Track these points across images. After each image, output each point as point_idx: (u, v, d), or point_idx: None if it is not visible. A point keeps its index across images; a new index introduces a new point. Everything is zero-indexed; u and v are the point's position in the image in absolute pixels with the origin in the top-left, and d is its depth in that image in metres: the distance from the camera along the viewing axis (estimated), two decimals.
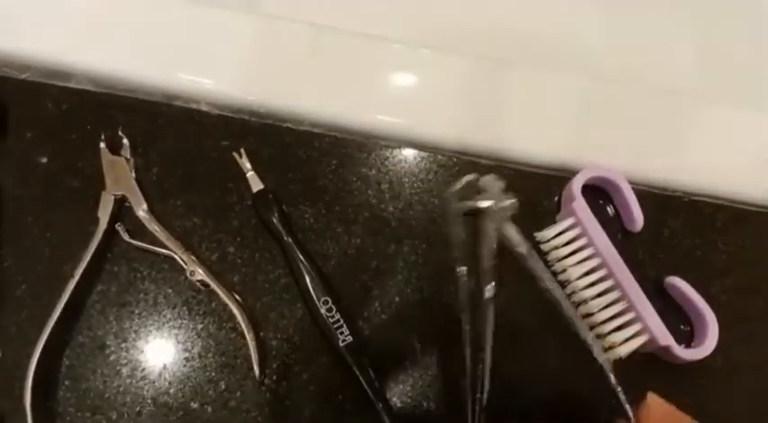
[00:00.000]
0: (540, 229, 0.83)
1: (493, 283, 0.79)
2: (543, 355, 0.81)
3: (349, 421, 0.78)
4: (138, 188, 0.80)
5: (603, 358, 0.78)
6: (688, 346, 0.81)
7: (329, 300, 0.78)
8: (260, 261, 0.81)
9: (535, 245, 0.83)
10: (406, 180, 0.85)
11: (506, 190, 0.81)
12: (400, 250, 0.83)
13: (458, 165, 0.86)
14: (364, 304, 0.81)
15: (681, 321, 0.83)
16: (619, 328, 0.78)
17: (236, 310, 0.76)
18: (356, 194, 0.84)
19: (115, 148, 0.81)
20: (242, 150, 0.83)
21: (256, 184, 0.81)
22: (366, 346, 0.78)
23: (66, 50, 0.83)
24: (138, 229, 0.79)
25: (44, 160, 0.81)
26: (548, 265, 0.82)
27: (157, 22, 0.85)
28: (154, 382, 0.77)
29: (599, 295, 0.79)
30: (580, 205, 0.81)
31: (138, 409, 0.76)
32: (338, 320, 0.77)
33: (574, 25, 1.15)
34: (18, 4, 0.84)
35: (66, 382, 0.76)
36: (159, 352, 0.77)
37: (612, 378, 0.77)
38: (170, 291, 0.79)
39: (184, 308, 0.79)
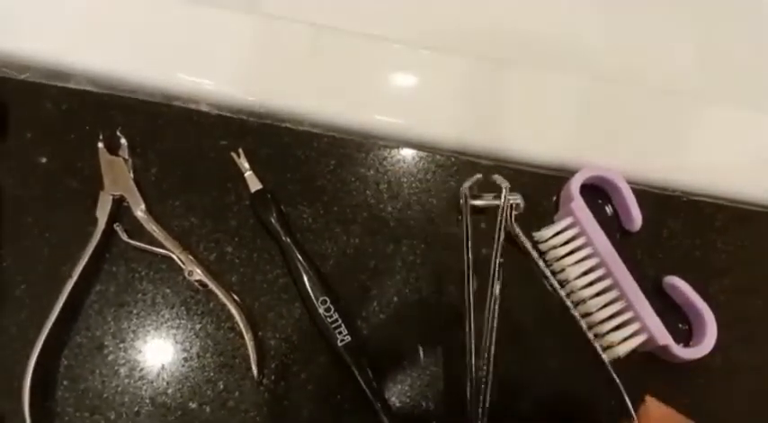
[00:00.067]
0: (539, 228, 0.83)
1: (499, 282, 0.79)
2: (544, 354, 0.81)
3: (347, 421, 0.78)
4: (136, 188, 0.80)
5: (608, 359, 0.78)
6: (686, 345, 0.81)
7: (327, 300, 0.78)
8: (258, 261, 0.81)
9: (534, 244, 0.82)
10: (405, 180, 0.85)
11: (511, 189, 0.81)
12: (399, 250, 0.83)
13: (456, 165, 0.86)
14: (363, 304, 0.81)
15: (679, 321, 0.82)
16: (617, 328, 0.78)
17: (234, 310, 0.76)
18: (354, 194, 0.84)
19: (113, 149, 0.81)
20: (240, 150, 0.83)
21: (255, 184, 0.81)
22: (364, 346, 0.78)
23: (65, 51, 0.83)
24: (137, 230, 0.79)
25: (43, 160, 0.81)
26: (546, 264, 0.82)
27: (157, 22, 0.85)
28: (152, 382, 0.77)
29: (597, 294, 0.79)
30: (578, 205, 0.81)
31: (136, 409, 0.76)
32: (336, 320, 0.77)
33: (574, 25, 1.15)
34: (18, 4, 0.84)
35: (65, 383, 0.76)
36: (157, 352, 0.78)
37: (617, 378, 0.77)
38: (168, 291, 0.79)
39: (183, 308, 0.79)
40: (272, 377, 0.78)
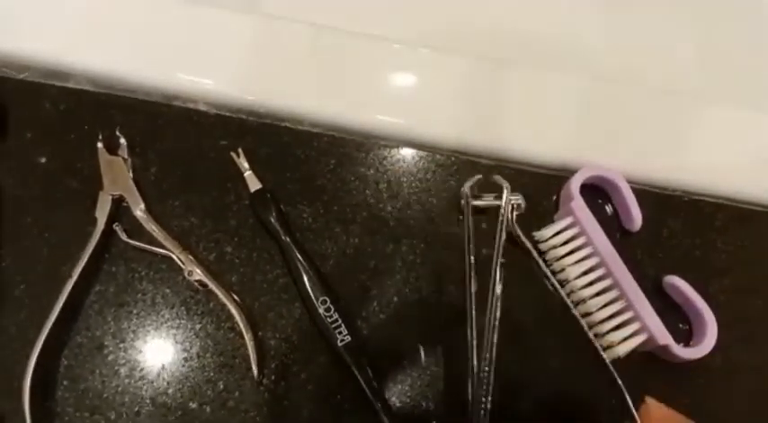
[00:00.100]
0: (539, 228, 0.83)
1: (501, 281, 0.79)
2: (544, 354, 0.81)
3: (347, 421, 0.78)
4: (135, 188, 0.80)
5: (609, 359, 0.78)
6: (687, 345, 0.81)
7: (327, 299, 0.78)
8: (258, 261, 0.81)
9: (534, 244, 0.82)
10: (405, 180, 0.85)
11: (511, 189, 0.81)
12: (398, 250, 0.83)
13: (456, 164, 0.86)
14: (363, 304, 0.81)
15: (679, 320, 0.82)
16: (617, 327, 0.78)
17: (234, 310, 0.76)
18: (354, 194, 0.84)
19: (113, 148, 0.81)
20: (240, 150, 0.83)
21: (254, 184, 0.81)
22: (364, 346, 0.78)
23: (65, 50, 0.83)
24: (136, 229, 0.79)
25: (43, 160, 0.81)
26: (546, 263, 0.82)
27: (157, 22, 0.85)
28: (152, 382, 0.77)
29: (597, 294, 0.79)
30: (578, 204, 0.81)
31: (136, 409, 0.76)
32: (336, 320, 0.77)
33: (574, 25, 1.15)
34: (18, 3, 0.84)
35: (65, 383, 0.76)
36: (157, 352, 0.77)
37: (619, 380, 0.77)
38: (168, 291, 0.79)
39: (182, 308, 0.79)
40: (273, 377, 0.78)
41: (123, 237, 0.78)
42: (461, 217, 0.83)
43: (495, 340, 0.77)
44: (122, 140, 0.81)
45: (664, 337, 0.77)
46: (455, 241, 0.82)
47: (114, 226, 0.79)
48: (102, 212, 0.78)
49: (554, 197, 0.85)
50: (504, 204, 0.81)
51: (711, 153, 0.88)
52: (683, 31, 1.15)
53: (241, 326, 0.76)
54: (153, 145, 0.83)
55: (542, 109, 0.88)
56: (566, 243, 0.81)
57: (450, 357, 0.80)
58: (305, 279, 0.78)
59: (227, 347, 0.78)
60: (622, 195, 0.82)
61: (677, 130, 0.89)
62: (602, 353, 0.78)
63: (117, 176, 0.80)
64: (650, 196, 0.85)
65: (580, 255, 0.80)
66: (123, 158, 0.81)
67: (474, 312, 0.78)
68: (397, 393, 0.79)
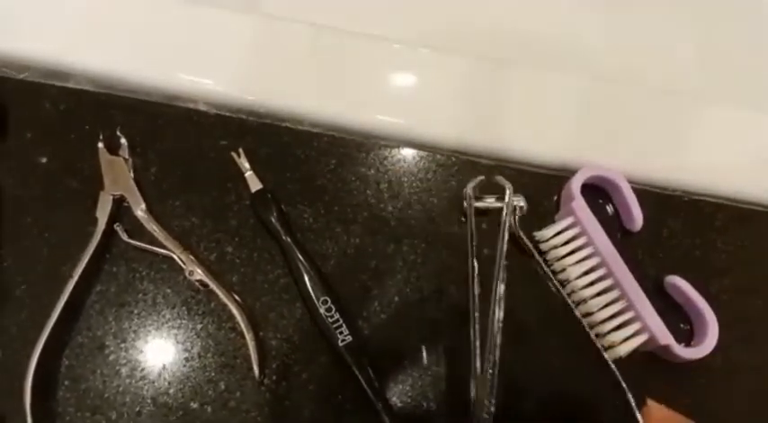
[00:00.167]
0: (540, 228, 0.83)
1: (503, 282, 0.79)
2: (546, 355, 0.81)
3: (349, 421, 0.78)
4: (136, 188, 0.80)
5: (611, 360, 0.78)
6: (688, 345, 0.81)
7: (328, 299, 0.78)
8: (259, 261, 0.81)
9: (535, 244, 0.82)
10: (405, 180, 0.85)
11: (512, 190, 0.81)
12: (399, 250, 0.83)
13: (457, 164, 0.86)
14: (363, 304, 0.81)
15: (680, 320, 0.82)
16: (618, 328, 0.78)
17: (235, 310, 0.76)
18: (355, 194, 0.84)
19: (113, 148, 0.81)
20: (240, 150, 0.83)
21: (255, 184, 0.81)
22: (365, 346, 0.78)
23: (65, 50, 0.83)
24: (137, 229, 0.79)
25: (43, 160, 0.81)
26: (547, 264, 0.82)
27: (157, 22, 0.85)
28: (153, 383, 0.77)
29: (598, 294, 0.79)
30: (579, 204, 0.81)
31: (137, 409, 0.76)
32: (337, 320, 0.77)
33: (574, 25, 1.15)
34: (18, 4, 0.84)
35: (66, 383, 0.76)
36: (158, 352, 0.77)
37: (623, 382, 0.77)
38: (169, 291, 0.79)
39: (183, 308, 0.79)
40: (274, 377, 0.78)
41: (124, 237, 0.78)
42: (464, 219, 0.83)
43: (498, 342, 0.77)
44: (123, 140, 0.81)
45: (665, 337, 0.77)
46: (456, 241, 0.82)
47: (115, 226, 0.79)
48: (102, 212, 0.78)
49: (555, 197, 0.85)
50: (506, 206, 0.81)
51: (711, 153, 0.88)
52: (683, 31, 1.15)
53: (242, 326, 0.76)
54: (153, 145, 0.83)
55: (542, 109, 0.88)
56: (567, 243, 0.81)
57: (451, 357, 0.80)
58: (306, 279, 0.78)
59: (228, 347, 0.78)
60: (623, 195, 0.82)
61: (677, 130, 0.89)
62: (604, 354, 0.78)
63: (118, 176, 0.80)
64: (651, 196, 0.85)
65: (581, 255, 0.80)
66: (124, 158, 0.81)
67: (477, 314, 0.78)
68: (399, 393, 0.79)
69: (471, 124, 0.86)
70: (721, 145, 0.89)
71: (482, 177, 0.82)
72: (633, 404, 0.76)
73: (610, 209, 0.85)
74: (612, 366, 0.77)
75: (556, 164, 0.86)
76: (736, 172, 0.88)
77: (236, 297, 0.78)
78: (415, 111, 0.86)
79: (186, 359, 0.77)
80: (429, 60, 0.87)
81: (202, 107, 0.84)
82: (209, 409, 0.76)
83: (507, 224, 0.80)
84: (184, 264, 0.78)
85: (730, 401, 0.82)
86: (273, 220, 0.80)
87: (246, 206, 0.82)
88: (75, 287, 0.75)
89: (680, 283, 0.81)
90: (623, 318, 0.78)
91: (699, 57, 1.14)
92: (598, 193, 0.85)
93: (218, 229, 0.81)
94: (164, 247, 0.78)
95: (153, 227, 0.79)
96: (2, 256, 0.78)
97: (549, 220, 0.84)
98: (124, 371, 0.77)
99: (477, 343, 0.77)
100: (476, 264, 0.80)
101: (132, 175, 0.81)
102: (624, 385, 0.77)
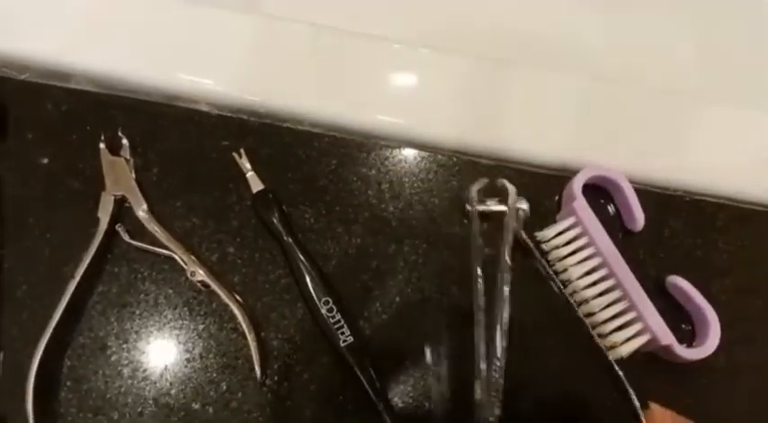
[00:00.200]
0: (541, 228, 0.83)
1: (508, 284, 0.79)
2: (547, 355, 0.81)
3: (350, 421, 0.78)
4: (137, 189, 0.80)
5: (615, 363, 0.78)
6: (689, 345, 0.81)
7: (330, 300, 0.78)
8: (260, 261, 0.81)
9: (536, 245, 0.82)
10: (406, 180, 0.85)
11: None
12: (401, 250, 0.83)
13: (458, 164, 0.86)
14: (365, 304, 0.81)
15: (682, 321, 0.82)
16: (620, 328, 0.78)
17: (236, 311, 0.76)
18: (356, 194, 0.84)
19: (115, 149, 0.81)
20: (242, 150, 0.83)
21: (256, 185, 0.81)
22: (367, 346, 0.78)
23: (65, 50, 0.83)
24: (139, 230, 0.79)
25: (44, 161, 0.81)
26: (549, 264, 0.82)
27: (157, 22, 0.85)
28: (155, 383, 0.77)
29: (600, 295, 0.79)
30: (581, 205, 0.81)
31: (139, 409, 0.76)
32: (339, 321, 0.77)
33: (574, 25, 1.15)
34: (18, 4, 0.84)
35: (68, 383, 0.76)
36: (160, 353, 0.77)
37: (627, 384, 0.77)
38: (171, 291, 0.79)
39: (185, 308, 0.79)
40: (275, 378, 0.78)
41: (126, 237, 0.78)
42: (467, 221, 0.83)
43: (504, 344, 0.77)
44: (124, 141, 0.81)
45: (666, 337, 0.77)
46: (457, 241, 0.83)
47: (117, 227, 0.79)
48: (104, 213, 0.78)
49: (556, 197, 0.86)
50: (510, 209, 0.81)
51: (711, 153, 0.89)
52: (683, 31, 1.15)
53: (244, 326, 0.76)
54: (155, 145, 0.83)
55: (542, 109, 0.88)
56: (568, 243, 0.81)
57: (452, 358, 0.80)
58: (307, 279, 0.78)
59: (229, 348, 0.78)
60: (625, 195, 0.82)
61: (677, 130, 0.89)
62: (608, 355, 0.78)
63: (119, 177, 0.80)
64: (652, 196, 0.85)
65: (582, 255, 0.80)
66: (125, 159, 0.81)
67: (483, 316, 0.78)
68: (400, 394, 0.79)
69: (471, 124, 0.86)
70: (721, 145, 0.89)
71: (486, 180, 0.82)
72: (637, 405, 0.76)
73: (611, 209, 0.85)
74: (616, 368, 0.78)
75: (556, 164, 0.86)
76: (736, 172, 0.88)
77: (238, 297, 0.78)
78: (416, 111, 0.86)
79: (188, 360, 0.77)
80: (429, 60, 0.88)
81: (204, 107, 0.84)
82: (210, 409, 0.76)
83: (511, 227, 0.80)
84: (186, 264, 0.77)
85: (732, 402, 0.82)
86: (275, 220, 0.80)
87: (248, 206, 0.82)
88: (76, 288, 0.75)
89: (681, 284, 0.81)
90: (625, 318, 0.78)
91: (699, 57, 1.14)
92: (599, 193, 0.85)
93: (220, 230, 0.81)
94: (165, 247, 0.78)
95: (154, 227, 0.79)
96: (3, 256, 0.78)
97: (550, 220, 0.84)
98: (126, 371, 0.77)
99: (483, 345, 0.77)
100: (480, 274, 0.80)
101: (134, 175, 0.81)
102: (628, 386, 0.77)
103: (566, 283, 0.81)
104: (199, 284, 0.78)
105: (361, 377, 0.76)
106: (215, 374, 0.77)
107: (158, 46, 0.85)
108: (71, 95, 0.84)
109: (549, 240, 0.82)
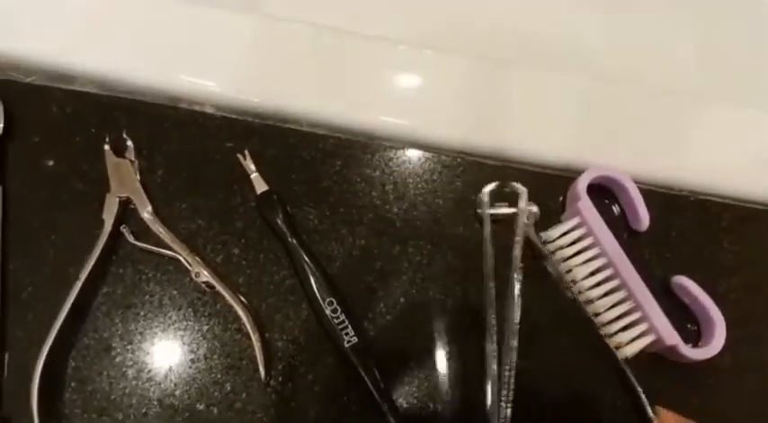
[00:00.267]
0: (546, 228, 0.83)
1: (519, 285, 0.79)
2: (555, 356, 0.81)
3: (354, 422, 0.78)
4: (142, 190, 0.80)
5: (623, 364, 0.78)
6: (695, 345, 0.81)
7: (334, 301, 0.78)
8: (265, 262, 0.81)
9: (544, 245, 0.83)
10: (411, 181, 0.85)
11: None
12: (405, 251, 0.83)
13: (462, 165, 0.86)
14: (369, 305, 0.81)
15: (688, 321, 0.82)
16: (625, 328, 0.78)
17: (241, 312, 0.76)
18: (360, 195, 0.84)
19: (119, 151, 0.81)
20: (246, 152, 0.82)
21: (261, 186, 0.81)
22: (371, 347, 0.78)
23: (65, 51, 0.83)
24: (143, 231, 0.79)
25: (50, 163, 0.81)
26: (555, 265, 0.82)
27: (157, 22, 0.85)
28: (160, 384, 0.77)
29: (605, 295, 0.79)
30: (585, 205, 0.81)
31: (144, 410, 0.76)
32: (343, 321, 0.77)
33: (574, 25, 1.15)
34: (18, 4, 0.83)
35: (73, 384, 0.76)
36: (165, 354, 0.77)
37: (637, 386, 0.77)
38: (175, 292, 0.79)
39: (190, 309, 0.79)
40: (280, 378, 0.78)
41: (130, 239, 0.78)
42: (478, 225, 0.83)
43: (515, 345, 0.77)
44: (129, 143, 0.81)
45: (672, 337, 0.77)
46: (461, 242, 0.83)
47: (121, 228, 0.79)
48: (109, 214, 0.78)
49: (560, 198, 0.86)
50: (522, 212, 0.81)
51: (711, 153, 0.89)
52: (683, 31, 1.16)
53: (248, 327, 0.76)
54: (159, 147, 0.83)
55: (542, 109, 0.88)
56: (573, 243, 0.81)
57: (457, 359, 0.80)
58: (312, 280, 0.78)
59: (234, 349, 0.78)
60: (629, 195, 0.83)
61: (677, 131, 0.89)
62: (617, 355, 0.78)
63: (124, 179, 0.80)
64: (657, 196, 0.86)
65: (588, 255, 0.80)
66: (130, 161, 0.81)
67: (494, 317, 0.78)
68: (405, 394, 0.79)
69: (473, 125, 0.86)
70: (721, 145, 0.89)
71: (498, 182, 0.83)
72: (647, 406, 0.76)
73: (616, 209, 0.86)
74: (626, 368, 0.78)
75: (557, 164, 0.86)
76: (736, 172, 0.88)
77: (243, 298, 0.78)
78: (418, 111, 0.86)
79: (192, 361, 0.77)
80: (429, 60, 0.87)
81: (208, 109, 0.84)
82: (215, 410, 0.76)
83: (523, 230, 0.81)
84: (190, 265, 0.77)
85: (739, 401, 0.82)
86: (279, 221, 0.80)
87: (252, 208, 0.82)
88: (81, 289, 0.75)
89: (687, 283, 0.81)
90: (630, 318, 0.79)
91: (699, 57, 1.14)
92: (604, 193, 0.85)
93: (225, 231, 0.81)
94: (170, 248, 0.78)
95: (159, 229, 0.78)
96: (9, 258, 0.78)
97: (554, 220, 0.84)
98: (130, 372, 0.77)
99: (494, 346, 0.77)
100: (491, 269, 0.80)
101: (138, 177, 0.80)
102: (637, 386, 0.77)
103: (570, 284, 0.81)
104: (203, 285, 0.78)
105: (366, 378, 0.76)
106: (219, 375, 0.77)
107: (158, 46, 0.85)
108: (76, 98, 0.83)
109: (553, 240, 0.82)
